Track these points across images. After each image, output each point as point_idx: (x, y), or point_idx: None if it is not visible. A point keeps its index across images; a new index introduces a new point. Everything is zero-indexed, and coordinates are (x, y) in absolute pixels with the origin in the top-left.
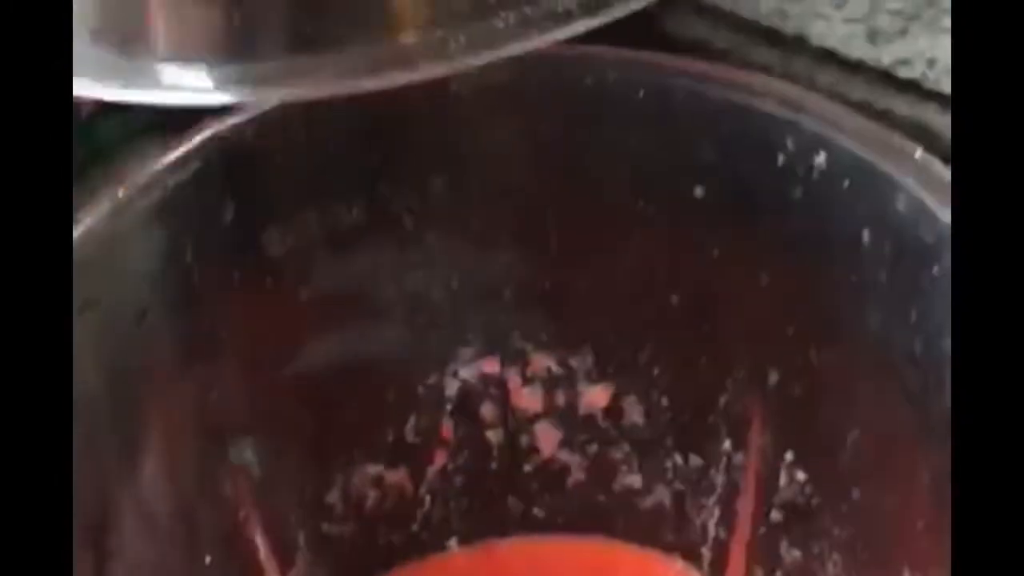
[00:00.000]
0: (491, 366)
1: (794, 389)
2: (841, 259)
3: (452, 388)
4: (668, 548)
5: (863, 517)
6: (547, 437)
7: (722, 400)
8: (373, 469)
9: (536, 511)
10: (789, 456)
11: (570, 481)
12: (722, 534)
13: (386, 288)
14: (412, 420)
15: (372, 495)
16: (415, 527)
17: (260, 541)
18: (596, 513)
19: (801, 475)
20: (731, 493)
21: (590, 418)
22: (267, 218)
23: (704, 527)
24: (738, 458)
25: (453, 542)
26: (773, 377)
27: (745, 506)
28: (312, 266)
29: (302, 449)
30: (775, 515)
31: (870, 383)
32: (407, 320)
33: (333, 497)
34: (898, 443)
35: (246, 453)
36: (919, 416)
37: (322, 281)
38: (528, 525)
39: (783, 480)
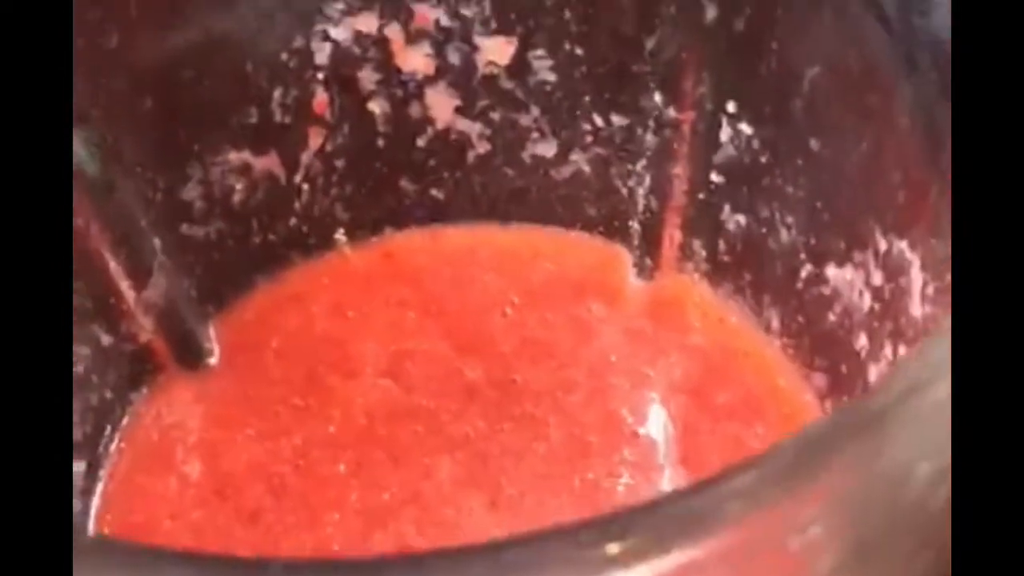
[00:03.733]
0: (367, 23)
1: (736, 23)
2: None
3: (323, 53)
4: (590, 225)
5: (823, 172)
6: (441, 104)
7: (649, 43)
8: (237, 156)
9: (434, 192)
10: (731, 106)
11: (471, 155)
12: (653, 204)
13: None
14: (278, 94)
15: (239, 187)
16: (293, 221)
17: (107, 253)
18: (504, 191)
19: (746, 128)
20: (663, 156)
21: (490, 79)
22: None
23: (632, 197)
24: (670, 113)
25: (340, 235)
26: (711, 10)
27: (680, 170)
28: None
29: (147, 138)
30: (716, 177)
31: (832, 6)
32: None
33: (191, 193)
34: (869, 79)
35: (77, 149)
36: (896, 44)
37: None
38: (425, 211)
39: (725, 135)
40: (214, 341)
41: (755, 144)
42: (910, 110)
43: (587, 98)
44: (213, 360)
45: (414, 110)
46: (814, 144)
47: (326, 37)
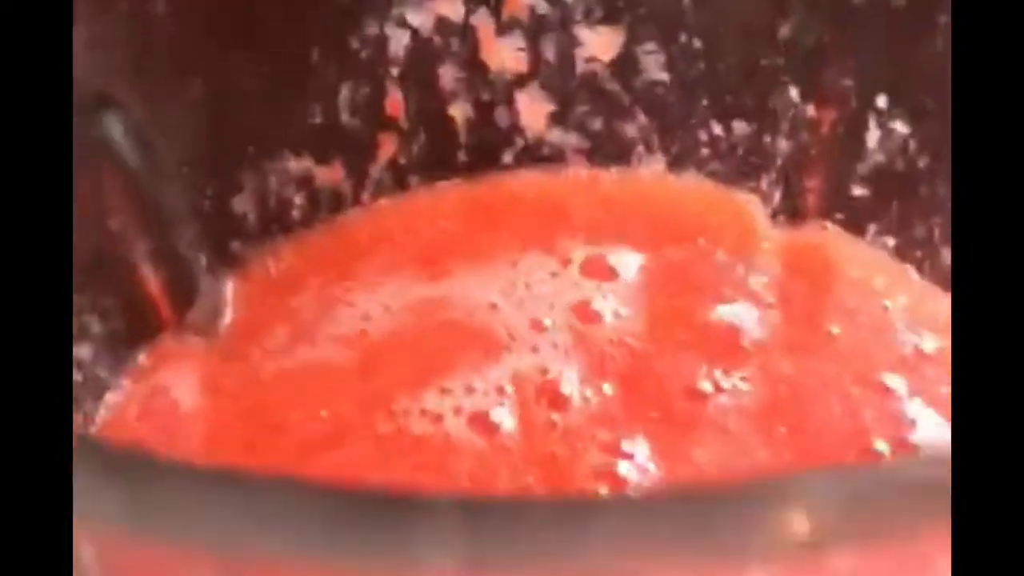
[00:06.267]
0: (452, 7)
1: None
2: None
3: (398, 42)
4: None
5: None
6: (533, 108)
7: (783, 29)
8: (297, 164)
9: None
10: (882, 101)
11: (567, 173)
12: (781, 222)
13: None
14: (345, 92)
15: (298, 200)
16: None
17: (145, 267)
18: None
19: (901, 127)
20: (798, 163)
21: (591, 77)
22: None
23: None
24: (807, 112)
25: None
26: None
27: (816, 182)
28: None
29: (195, 134)
30: (859, 191)
31: None
32: None
33: (243, 204)
34: None
35: (115, 135)
36: None
37: None
38: None
39: (872, 138)
40: None
41: (911, 146)
42: None
43: (705, 101)
44: None
45: (501, 116)
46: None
47: (403, 23)
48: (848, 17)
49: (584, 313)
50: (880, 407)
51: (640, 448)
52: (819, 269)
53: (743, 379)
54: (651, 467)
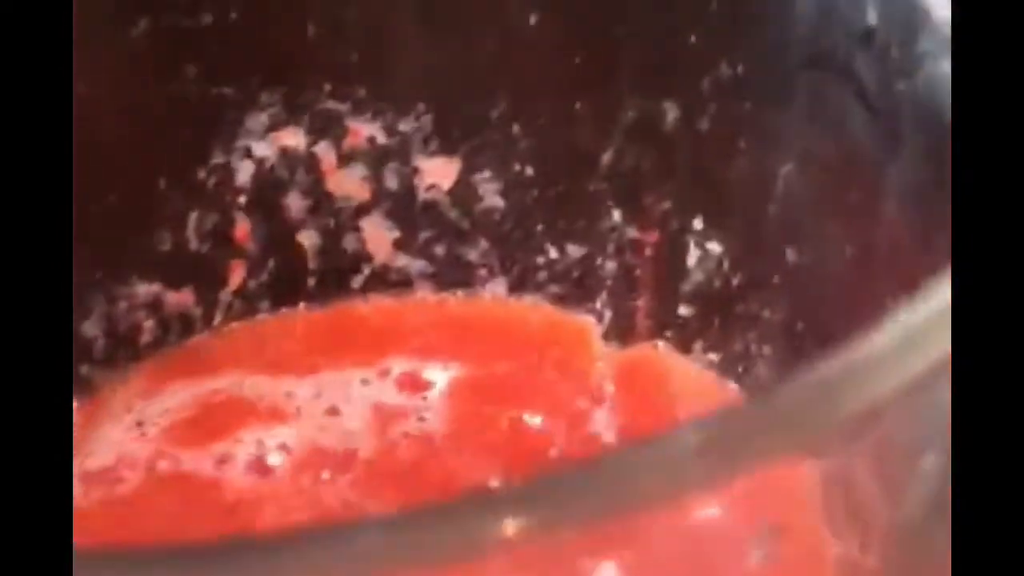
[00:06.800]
0: (293, 138)
1: (701, 122)
2: None
3: (245, 171)
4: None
5: (804, 288)
6: (378, 235)
7: (605, 157)
8: (145, 290)
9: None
10: (698, 223)
11: (415, 297)
12: (613, 347)
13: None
14: (193, 219)
15: (147, 325)
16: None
17: None
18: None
19: (716, 246)
20: (627, 284)
21: (432, 204)
22: None
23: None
24: (631, 234)
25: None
26: (672, 111)
27: (644, 301)
28: None
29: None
30: (684, 310)
31: (807, 88)
32: (173, 76)
33: (92, 329)
34: (849, 169)
35: None
36: (880, 122)
37: None
38: None
39: (692, 258)
40: None
41: (725, 265)
42: (899, 197)
43: (540, 226)
44: None
45: (349, 243)
46: (791, 255)
47: (248, 154)
48: (662, 143)
49: (382, 410)
50: None
51: None
52: (649, 387)
53: None
54: None
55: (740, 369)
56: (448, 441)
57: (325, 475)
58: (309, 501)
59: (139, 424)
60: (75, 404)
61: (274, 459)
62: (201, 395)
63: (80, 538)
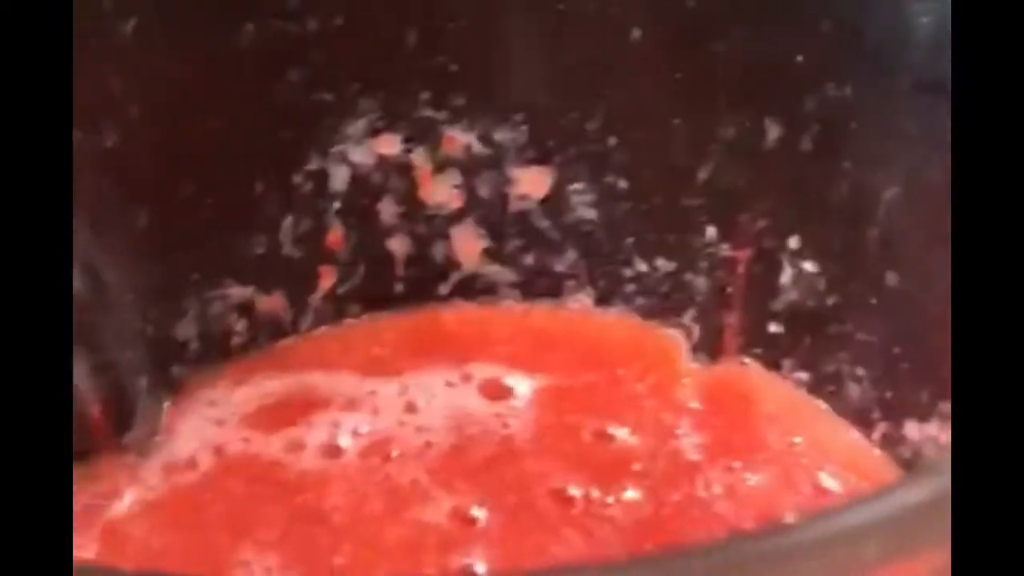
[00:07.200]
0: (389, 145)
1: (803, 142)
2: None
3: (340, 178)
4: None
5: (902, 313)
6: (467, 244)
7: (702, 173)
8: (238, 293)
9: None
10: (794, 242)
11: (501, 306)
12: (702, 362)
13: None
14: (287, 224)
15: (239, 328)
16: None
17: (84, 388)
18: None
19: (810, 266)
20: (717, 301)
21: (523, 214)
22: None
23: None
24: (723, 251)
25: None
26: (774, 130)
27: (734, 319)
28: None
29: (139, 260)
30: (774, 328)
31: (916, 114)
32: (275, 81)
33: (186, 331)
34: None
35: None
36: None
37: None
38: None
39: (786, 276)
40: None
41: (820, 285)
42: None
43: (630, 239)
44: None
45: (437, 251)
46: (891, 279)
47: (344, 159)
48: (762, 161)
49: (462, 412)
50: None
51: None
52: (737, 404)
53: (622, 497)
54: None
55: (831, 389)
56: (528, 445)
57: (395, 453)
58: (378, 483)
59: (218, 414)
60: (165, 404)
61: (344, 441)
62: (283, 388)
63: (156, 521)
